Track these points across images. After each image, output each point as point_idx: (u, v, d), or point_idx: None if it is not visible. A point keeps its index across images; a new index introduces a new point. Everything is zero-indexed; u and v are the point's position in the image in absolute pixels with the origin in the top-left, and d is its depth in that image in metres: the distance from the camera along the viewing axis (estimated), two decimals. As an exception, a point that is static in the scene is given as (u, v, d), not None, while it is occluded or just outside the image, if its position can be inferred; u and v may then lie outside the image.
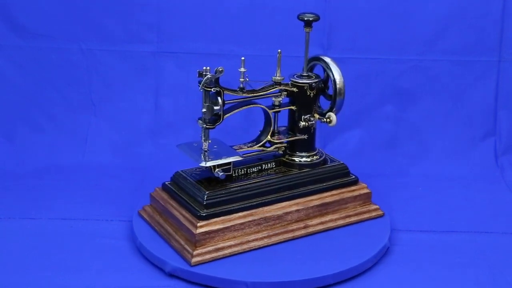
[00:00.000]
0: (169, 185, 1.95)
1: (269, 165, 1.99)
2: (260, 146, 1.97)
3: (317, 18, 1.94)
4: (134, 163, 2.37)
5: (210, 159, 1.85)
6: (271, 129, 1.97)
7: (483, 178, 2.34)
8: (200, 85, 1.82)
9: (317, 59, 2.03)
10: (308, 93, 1.97)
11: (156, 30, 2.41)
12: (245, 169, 1.95)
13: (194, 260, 1.78)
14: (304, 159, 2.01)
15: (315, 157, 2.02)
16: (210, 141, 1.88)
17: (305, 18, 1.94)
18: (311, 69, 2.04)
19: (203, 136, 1.87)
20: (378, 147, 2.44)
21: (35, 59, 2.42)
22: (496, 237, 2.01)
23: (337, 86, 1.99)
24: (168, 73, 2.44)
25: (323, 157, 2.05)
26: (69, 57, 2.42)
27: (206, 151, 1.87)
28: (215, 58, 2.41)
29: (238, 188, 1.89)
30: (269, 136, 1.97)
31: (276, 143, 1.99)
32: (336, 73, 1.99)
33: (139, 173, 2.31)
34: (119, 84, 2.44)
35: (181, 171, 1.95)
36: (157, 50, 2.42)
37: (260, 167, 1.97)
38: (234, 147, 1.95)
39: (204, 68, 1.83)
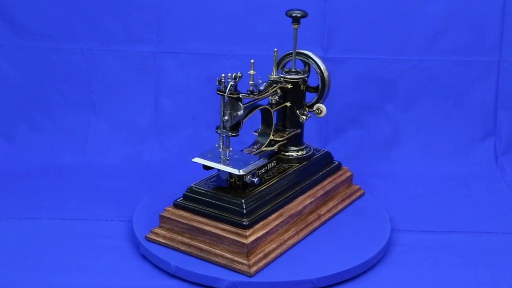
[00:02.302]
0: (184, 202, 1.88)
1: (272, 164, 1.99)
2: (267, 146, 1.98)
3: (305, 15, 1.96)
4: (134, 163, 2.36)
5: (241, 167, 1.82)
6: (273, 128, 1.98)
7: (483, 178, 2.34)
8: (226, 93, 1.80)
9: (296, 53, 2.03)
10: (302, 88, 2.00)
11: (156, 30, 2.41)
12: (256, 172, 1.94)
13: (253, 269, 1.76)
14: (300, 152, 2.03)
15: (307, 149, 2.06)
16: (231, 149, 1.87)
17: (293, 15, 1.96)
18: (283, 66, 2.05)
19: (222, 144, 1.85)
20: (378, 147, 2.44)
21: (35, 59, 2.42)
22: (496, 237, 2.01)
23: (324, 76, 2.02)
24: (168, 73, 2.44)
25: (311, 148, 2.08)
26: (69, 57, 2.42)
27: (227, 159, 1.85)
28: (215, 58, 2.41)
29: (264, 191, 1.88)
30: (271, 135, 1.98)
31: (279, 141, 1.99)
32: (321, 64, 2.02)
33: (139, 173, 2.31)
34: (119, 84, 2.44)
35: (194, 185, 1.89)
36: (157, 50, 2.42)
37: (266, 167, 1.97)
38: (245, 151, 1.94)
39: (223, 75, 1.82)
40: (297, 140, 2.04)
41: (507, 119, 2.45)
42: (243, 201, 1.82)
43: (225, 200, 1.83)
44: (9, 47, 2.41)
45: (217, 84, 1.82)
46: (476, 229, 2.04)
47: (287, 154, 2.03)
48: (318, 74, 2.03)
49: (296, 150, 2.03)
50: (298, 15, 1.96)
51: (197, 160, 1.87)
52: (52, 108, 2.44)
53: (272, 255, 1.82)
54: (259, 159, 1.89)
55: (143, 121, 2.44)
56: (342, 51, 2.41)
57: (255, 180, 1.85)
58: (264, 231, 1.82)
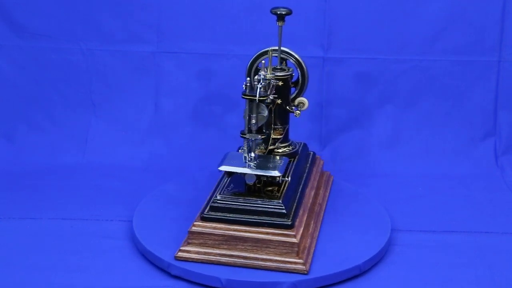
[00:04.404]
0: (213, 214, 1.83)
1: None
2: (272, 144, 1.99)
3: (289, 12, 1.97)
4: (134, 163, 2.37)
5: (274, 169, 1.83)
6: (273, 126, 1.99)
7: (483, 178, 2.34)
8: (257, 97, 1.79)
9: (272, 51, 2.03)
10: (290, 84, 2.02)
11: (156, 30, 2.41)
12: None
13: (307, 267, 1.76)
14: (291, 147, 2.04)
15: (293, 144, 2.07)
16: (256, 152, 1.86)
17: (278, 12, 1.97)
18: (257, 65, 2.06)
19: (247, 148, 1.84)
20: (378, 147, 2.44)
21: (35, 59, 2.42)
22: (496, 237, 2.01)
23: (304, 69, 2.03)
24: (168, 73, 2.44)
25: (295, 142, 2.10)
26: (69, 57, 2.42)
27: (254, 163, 1.83)
28: (215, 58, 2.41)
29: (284, 189, 1.88)
30: (272, 134, 1.99)
31: (279, 139, 2.00)
32: (299, 58, 2.03)
33: (139, 173, 2.31)
34: (119, 84, 2.44)
35: (219, 195, 1.84)
36: (157, 50, 2.42)
37: None
38: (257, 152, 1.94)
39: (248, 79, 1.83)
40: (285, 136, 2.05)
41: (507, 119, 2.45)
42: (280, 202, 1.81)
43: (261, 204, 1.82)
44: (9, 47, 2.41)
45: (244, 88, 1.81)
46: (476, 229, 2.04)
47: (280, 151, 2.03)
48: (297, 68, 2.04)
49: (286, 146, 2.04)
50: (283, 13, 1.97)
51: (224, 168, 1.84)
52: (52, 108, 2.44)
53: (312, 250, 1.83)
54: (279, 158, 1.89)
55: (143, 121, 2.45)
56: (342, 51, 2.41)
57: (288, 179, 1.85)
58: (301, 228, 1.83)
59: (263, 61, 1.94)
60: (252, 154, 1.84)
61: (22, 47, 2.41)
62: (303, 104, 2.05)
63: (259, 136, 1.83)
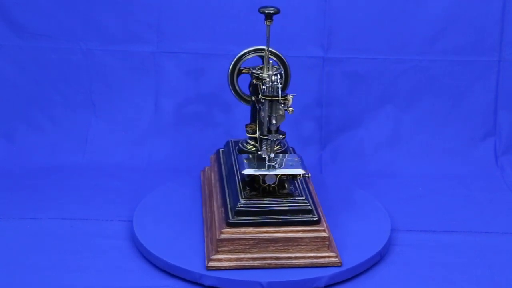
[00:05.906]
0: (241, 219, 1.80)
1: None
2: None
3: (277, 11, 1.96)
4: (134, 163, 2.37)
5: (298, 167, 1.83)
6: None
7: (483, 178, 2.34)
8: (279, 97, 1.79)
9: (253, 51, 2.03)
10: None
11: (156, 30, 2.41)
12: None
13: (340, 259, 1.78)
14: (281, 145, 2.03)
15: (281, 142, 2.06)
16: (274, 153, 1.86)
17: (266, 11, 1.96)
18: (239, 66, 2.05)
19: (268, 149, 1.84)
20: (378, 147, 2.44)
21: (35, 59, 2.42)
22: (496, 237, 2.01)
23: (287, 66, 2.03)
24: (168, 73, 2.44)
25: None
26: (69, 57, 2.42)
27: (275, 164, 1.84)
28: (215, 58, 2.41)
29: (300, 186, 1.89)
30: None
31: None
32: (281, 56, 2.02)
33: (139, 173, 2.31)
34: (119, 84, 2.44)
35: (241, 199, 1.82)
36: (157, 50, 2.42)
37: None
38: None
39: (267, 79, 1.83)
40: None
41: (507, 119, 2.45)
42: (304, 198, 1.83)
43: (286, 203, 1.82)
44: (9, 47, 2.41)
45: (264, 90, 1.81)
46: (476, 229, 2.04)
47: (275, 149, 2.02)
48: (281, 66, 2.03)
49: (277, 144, 2.03)
50: (271, 12, 1.96)
51: (249, 171, 1.82)
52: (52, 108, 2.44)
53: (333, 243, 1.84)
54: (293, 156, 1.90)
55: (143, 121, 2.44)
56: (342, 51, 2.41)
57: (309, 175, 1.86)
58: (325, 222, 1.84)
59: (270, 62, 1.92)
60: (272, 155, 1.84)
61: (22, 47, 2.41)
62: (288, 100, 2.04)
63: (280, 136, 1.83)
